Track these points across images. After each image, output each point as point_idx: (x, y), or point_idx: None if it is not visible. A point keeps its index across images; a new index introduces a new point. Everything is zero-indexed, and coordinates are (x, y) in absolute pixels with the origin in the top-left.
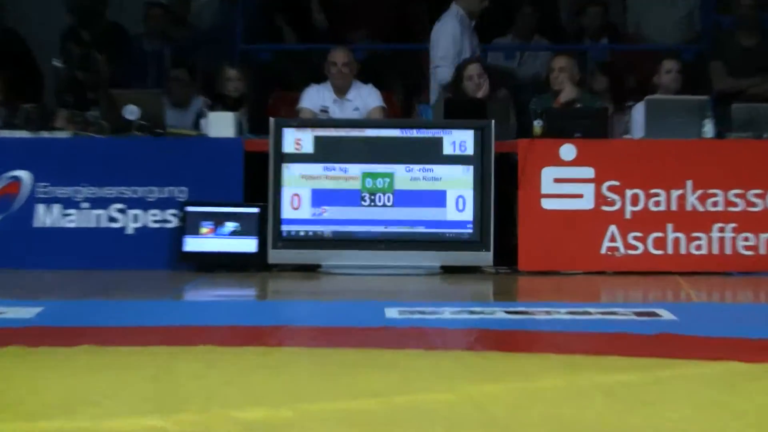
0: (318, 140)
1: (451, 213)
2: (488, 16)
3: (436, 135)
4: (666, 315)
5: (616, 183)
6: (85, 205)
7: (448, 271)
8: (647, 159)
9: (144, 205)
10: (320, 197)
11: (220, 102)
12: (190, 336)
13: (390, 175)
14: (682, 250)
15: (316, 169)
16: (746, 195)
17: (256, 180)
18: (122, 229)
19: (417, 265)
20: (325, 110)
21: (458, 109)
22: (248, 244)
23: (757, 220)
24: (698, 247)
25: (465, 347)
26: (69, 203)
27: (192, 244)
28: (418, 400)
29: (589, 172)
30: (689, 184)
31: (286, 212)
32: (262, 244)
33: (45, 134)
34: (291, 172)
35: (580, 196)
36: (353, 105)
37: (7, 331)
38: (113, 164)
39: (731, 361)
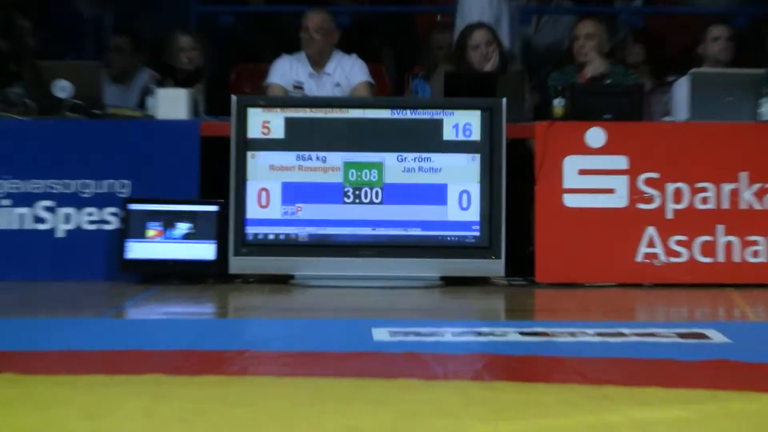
0: (290, 123)
1: (453, 212)
2: None
3: (435, 116)
4: (716, 337)
5: (655, 175)
6: (6, 202)
7: (449, 282)
8: (692, 146)
9: (77, 202)
10: (293, 192)
11: (171, 76)
12: (134, 363)
13: (378, 166)
14: (736, 258)
15: (288, 158)
16: None
17: (214, 172)
18: (51, 231)
19: (412, 275)
20: (299, 86)
21: (462, 85)
22: (205, 250)
23: None
24: (755, 254)
25: (471, 377)
26: None
27: (136, 250)
28: None
29: (621, 161)
30: (744, 176)
31: (252, 211)
32: (222, 250)
33: None
34: (257, 162)
35: (611, 191)
36: (333, 80)
37: None
38: (40, 152)
39: None
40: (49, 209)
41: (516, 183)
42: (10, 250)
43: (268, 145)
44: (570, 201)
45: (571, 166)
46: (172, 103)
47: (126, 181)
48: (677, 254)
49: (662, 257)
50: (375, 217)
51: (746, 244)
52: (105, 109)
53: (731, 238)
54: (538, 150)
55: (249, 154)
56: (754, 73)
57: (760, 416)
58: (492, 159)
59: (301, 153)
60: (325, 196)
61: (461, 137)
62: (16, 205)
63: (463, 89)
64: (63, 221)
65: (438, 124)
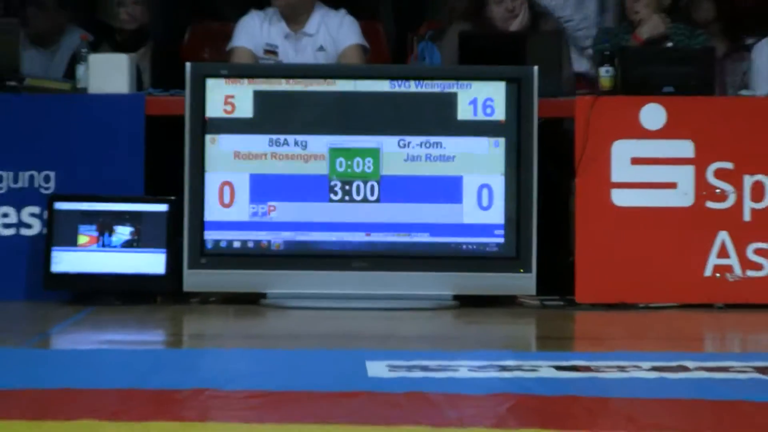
0: (261, 98)
1: (470, 212)
2: None
3: (447, 90)
4: None
5: (729, 165)
6: None
7: (465, 302)
8: None
9: None
10: (265, 187)
11: (108, 38)
12: (62, 405)
13: (374, 153)
14: None
15: (258, 143)
16: None
17: (163, 161)
18: None
19: (417, 293)
20: (272, 51)
21: (481, 49)
22: (152, 262)
23: None
24: None
25: (493, 423)
26: None
27: (65, 262)
28: None
29: (686, 147)
30: None
31: (212, 211)
32: (174, 262)
33: None
34: (219, 148)
35: (673, 185)
36: (316, 42)
37: None
38: None
39: None
40: None
41: (551, 175)
42: None
43: (232, 126)
44: (620, 198)
45: (622, 153)
46: (108, 73)
47: (50, 173)
48: (757, 266)
49: (737, 270)
50: (370, 219)
51: None
52: (23, 80)
53: None
54: (579, 133)
55: (208, 137)
56: None
57: None
58: (520, 144)
59: (274, 137)
60: (306, 193)
61: (481, 116)
62: None
63: (484, 54)
64: None
65: (451, 100)
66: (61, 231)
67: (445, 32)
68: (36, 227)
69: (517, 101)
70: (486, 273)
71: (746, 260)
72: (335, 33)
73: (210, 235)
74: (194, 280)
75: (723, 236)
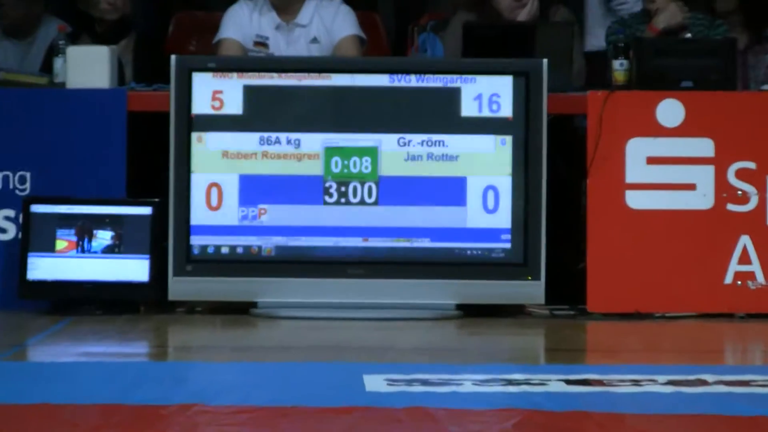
0: (251, 93)
1: (475, 216)
2: None
3: (450, 84)
4: None
5: (751, 165)
6: None
7: (470, 312)
8: None
9: None
10: (255, 189)
11: (87, 29)
12: (40, 421)
13: (372, 152)
14: None
15: (248, 141)
16: None
17: (147, 160)
18: None
19: (418, 302)
20: (262, 42)
21: (487, 41)
22: (135, 269)
23: None
24: None
25: None
26: None
27: (42, 269)
28: None
29: (705, 146)
30: None
31: (199, 215)
32: (159, 269)
33: None
34: (206, 147)
35: (691, 186)
36: (309, 34)
37: None
38: None
39: None
40: None
41: (561, 176)
42: None
43: (220, 123)
44: (635, 200)
45: (637, 152)
46: (88, 66)
47: (26, 174)
48: None
49: (760, 278)
50: (367, 223)
51: None
52: None
53: None
54: (591, 130)
55: (195, 135)
56: None
57: None
58: (528, 143)
59: (265, 135)
60: (299, 195)
61: (486, 113)
62: None
63: (489, 46)
64: None
65: (454, 95)
66: (37, 236)
67: (448, 23)
68: (11, 232)
69: (525, 96)
70: (491, 281)
71: None
72: (330, 23)
73: (196, 240)
74: (180, 288)
75: (745, 241)
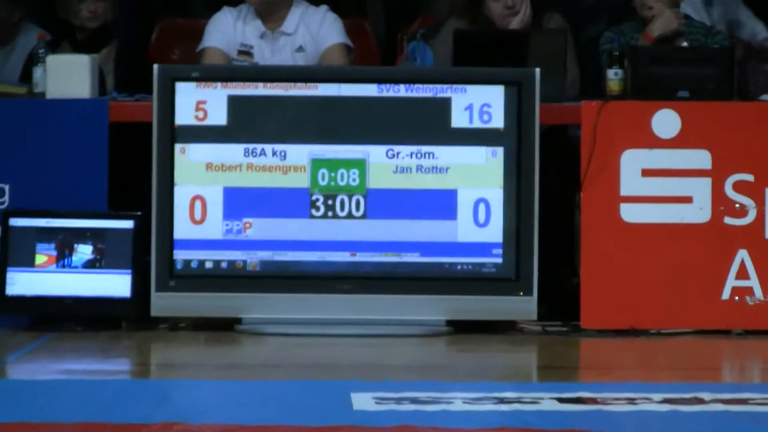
0: (236, 103)
1: (465, 229)
2: None
3: (440, 94)
4: None
5: (749, 177)
6: None
7: (460, 328)
8: None
9: None
10: (240, 202)
11: (67, 37)
12: None
13: (360, 164)
14: None
15: (232, 152)
16: None
17: (129, 172)
18: None
19: (407, 318)
20: (246, 51)
21: (478, 49)
22: (117, 284)
23: None
24: None
25: None
26: None
27: (20, 284)
28: None
29: (702, 158)
30: None
31: (182, 228)
32: (141, 284)
33: None
34: (189, 159)
35: (688, 199)
36: (294, 42)
37: None
38: None
39: None
40: None
41: (554, 188)
42: None
43: (204, 134)
44: (629, 213)
45: (632, 163)
46: (68, 76)
47: (4, 186)
48: None
49: (758, 293)
50: (355, 237)
51: None
52: None
53: None
54: (585, 141)
55: (178, 147)
56: None
57: None
58: (520, 154)
59: (250, 146)
60: (285, 208)
61: (477, 123)
62: None
63: (481, 55)
64: None
65: (444, 105)
66: (16, 250)
67: (439, 30)
68: None
69: (517, 107)
70: (482, 296)
71: None
72: (316, 31)
73: (180, 255)
74: (162, 303)
75: (743, 255)
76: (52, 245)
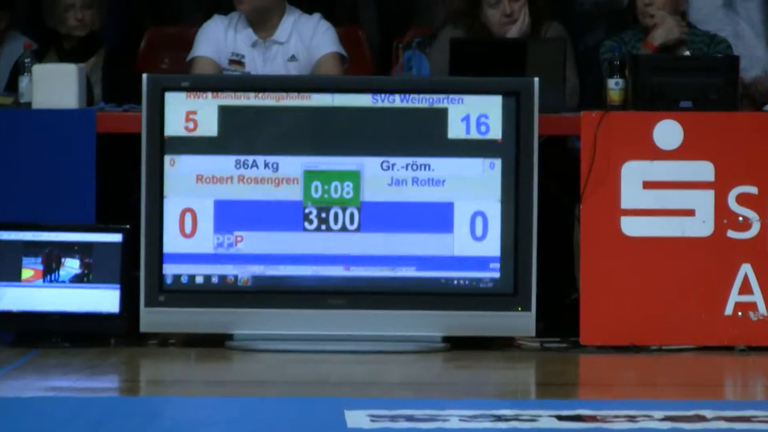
0: (227, 114)
1: (462, 243)
2: None
3: (437, 104)
4: None
5: (753, 190)
6: None
7: (457, 345)
8: None
9: None
10: (231, 215)
11: (54, 46)
12: None
13: (354, 176)
14: None
15: (223, 164)
16: None
17: (117, 184)
18: None
19: (402, 334)
20: (237, 61)
21: (475, 59)
22: (105, 299)
23: None
24: None
25: None
26: None
27: (6, 299)
28: None
29: (705, 170)
30: None
31: (172, 242)
32: (130, 299)
33: None
34: (179, 171)
35: (690, 212)
36: (287, 51)
37: None
38: None
39: None
40: None
41: (553, 201)
42: None
43: (194, 145)
44: (630, 227)
45: (633, 176)
46: (55, 85)
47: None
48: None
49: (762, 309)
50: (349, 251)
51: None
52: None
53: None
54: (584, 153)
55: (167, 158)
56: None
57: None
58: (519, 166)
59: (242, 158)
60: (278, 221)
61: (474, 134)
62: None
63: (478, 64)
64: None
65: (441, 116)
66: (1, 264)
67: (435, 39)
68: None
69: (515, 117)
70: (480, 312)
71: None
72: (309, 40)
73: (170, 269)
74: (152, 319)
75: (746, 270)
76: (39, 259)
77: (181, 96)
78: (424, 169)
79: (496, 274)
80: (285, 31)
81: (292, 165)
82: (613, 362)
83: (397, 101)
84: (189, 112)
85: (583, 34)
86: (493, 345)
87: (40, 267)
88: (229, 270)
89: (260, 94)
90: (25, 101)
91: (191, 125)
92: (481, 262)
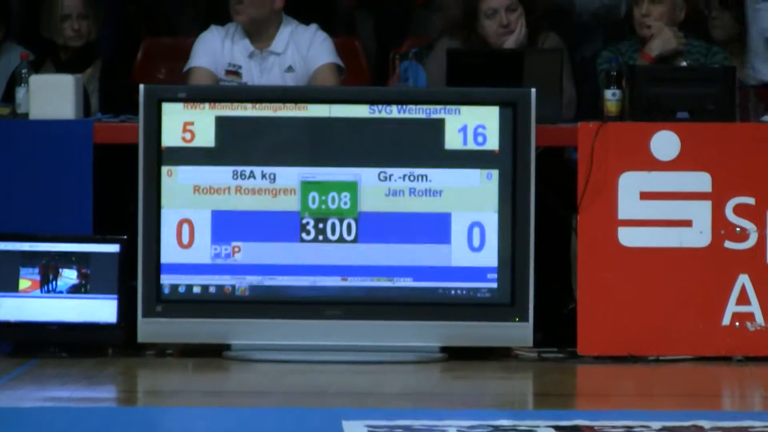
0: (224, 125)
1: (459, 254)
2: None
3: (434, 115)
4: None
5: (750, 201)
6: None
7: (455, 355)
8: None
9: None
10: (228, 226)
11: (51, 57)
12: None
13: (352, 187)
14: None
15: (220, 175)
16: None
17: (115, 195)
18: None
19: (400, 345)
20: (234, 71)
21: (472, 69)
22: (102, 309)
23: None
24: None
25: None
26: None
27: (4, 309)
28: None
29: (702, 180)
30: None
31: (169, 252)
32: (127, 309)
33: None
34: (177, 182)
35: (687, 223)
36: (284, 62)
37: None
38: None
39: None
40: None
41: (550, 212)
42: None
43: (191, 156)
44: (627, 237)
45: (630, 186)
46: (52, 96)
47: None
48: None
49: (759, 319)
50: (347, 261)
51: None
52: None
53: None
54: (582, 163)
55: (165, 169)
56: None
57: None
58: (516, 177)
59: (239, 168)
60: (275, 232)
61: (471, 145)
62: None
63: (475, 75)
64: None
65: (438, 127)
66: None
67: (432, 50)
68: None
69: (512, 128)
70: (477, 322)
71: None
72: (306, 51)
73: (167, 280)
74: (149, 329)
75: (743, 280)
76: (36, 270)
77: (178, 107)
78: (422, 179)
79: (494, 285)
80: (282, 41)
81: (290, 176)
82: (611, 373)
83: (394, 112)
84: (186, 123)
85: (580, 45)
86: (490, 355)
87: (38, 277)
88: (226, 280)
89: (257, 105)
90: (22, 112)
91: (188, 136)
92: (478, 273)
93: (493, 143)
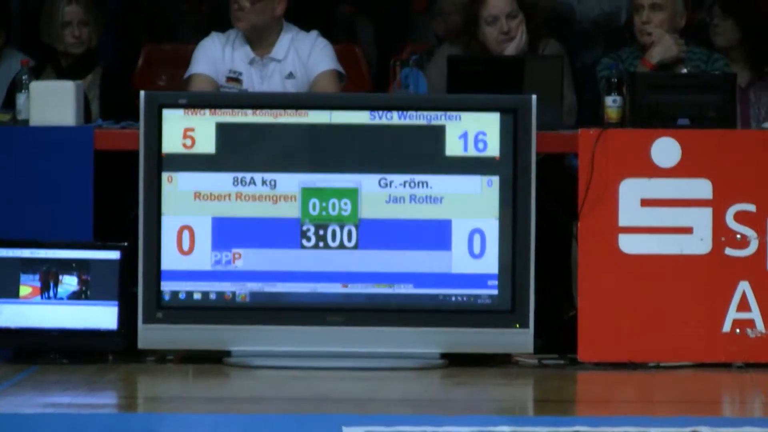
0: (224, 131)
1: (460, 260)
2: None
3: (434, 122)
4: None
5: (751, 208)
6: None
7: (455, 362)
8: None
9: None
10: (229, 232)
11: (52, 63)
12: None
13: (352, 194)
14: None
15: (221, 182)
16: None
17: (115, 202)
18: None
19: (400, 351)
20: (235, 78)
21: (473, 76)
22: (103, 316)
23: None
24: None
25: None
26: None
27: (4, 316)
28: None
29: (703, 187)
30: None
31: (170, 259)
32: (128, 316)
33: None
34: (177, 188)
35: (688, 230)
36: (284, 68)
37: None
38: None
39: None
40: None
41: (551, 218)
42: None
43: (192, 163)
44: (628, 244)
45: (631, 193)
46: (53, 102)
47: None
48: None
49: (759, 326)
50: (347, 268)
51: None
52: None
53: None
54: (582, 170)
55: (165, 176)
56: None
57: None
58: (516, 183)
59: (239, 175)
60: (276, 238)
61: (472, 152)
62: None
63: (475, 81)
64: None
65: (438, 133)
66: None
67: (432, 56)
68: None
69: (513, 135)
70: (477, 328)
71: None
72: (306, 58)
73: (167, 286)
74: (150, 336)
75: (744, 287)
76: (37, 276)
77: (178, 113)
78: (422, 186)
79: (494, 291)
80: (282, 48)
81: (290, 182)
82: (611, 379)
83: (394, 118)
84: (186, 130)
85: (580, 52)
86: (491, 362)
87: (38, 284)
88: (226, 287)
89: (258, 112)
90: (22, 118)
91: (189, 142)
92: (478, 279)
93: (493, 150)
